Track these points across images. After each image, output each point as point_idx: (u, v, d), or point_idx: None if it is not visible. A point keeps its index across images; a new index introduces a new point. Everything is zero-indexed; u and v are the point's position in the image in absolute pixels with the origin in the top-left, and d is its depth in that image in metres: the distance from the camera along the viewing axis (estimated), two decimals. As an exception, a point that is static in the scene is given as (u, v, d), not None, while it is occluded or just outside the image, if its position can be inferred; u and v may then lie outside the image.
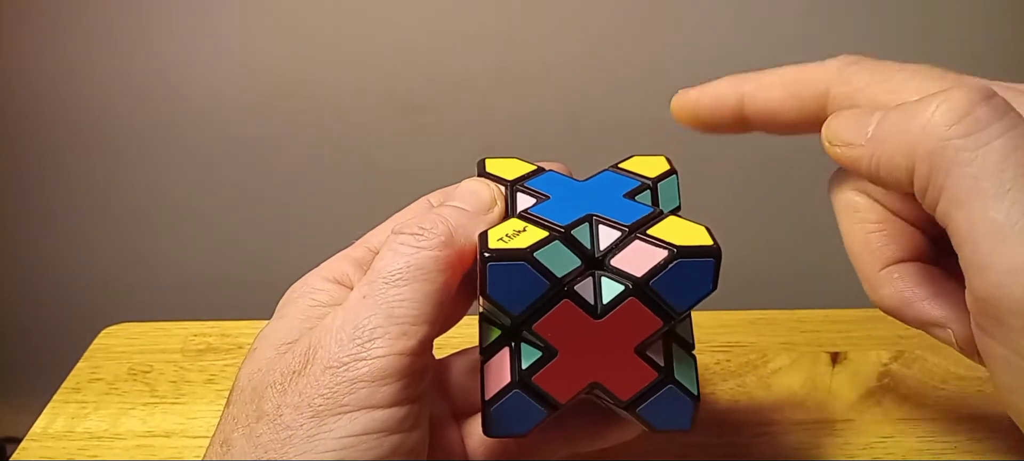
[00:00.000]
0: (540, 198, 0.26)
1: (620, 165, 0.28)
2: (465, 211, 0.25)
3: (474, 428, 0.29)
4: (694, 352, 0.26)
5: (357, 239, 0.28)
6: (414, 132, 0.63)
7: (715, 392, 0.37)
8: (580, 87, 0.61)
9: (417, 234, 0.24)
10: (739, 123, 0.27)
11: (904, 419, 0.35)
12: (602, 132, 0.61)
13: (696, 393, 0.26)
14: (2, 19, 0.60)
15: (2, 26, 0.61)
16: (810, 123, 0.25)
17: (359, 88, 0.62)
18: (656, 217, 0.25)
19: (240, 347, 0.41)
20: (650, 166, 0.27)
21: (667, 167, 0.27)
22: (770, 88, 0.26)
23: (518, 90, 0.61)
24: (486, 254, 0.23)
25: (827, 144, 0.24)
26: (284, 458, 0.21)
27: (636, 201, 0.26)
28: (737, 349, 0.39)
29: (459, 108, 0.62)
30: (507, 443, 0.28)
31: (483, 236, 0.24)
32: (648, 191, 0.27)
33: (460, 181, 0.28)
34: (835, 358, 0.38)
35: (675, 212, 0.26)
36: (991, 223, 0.19)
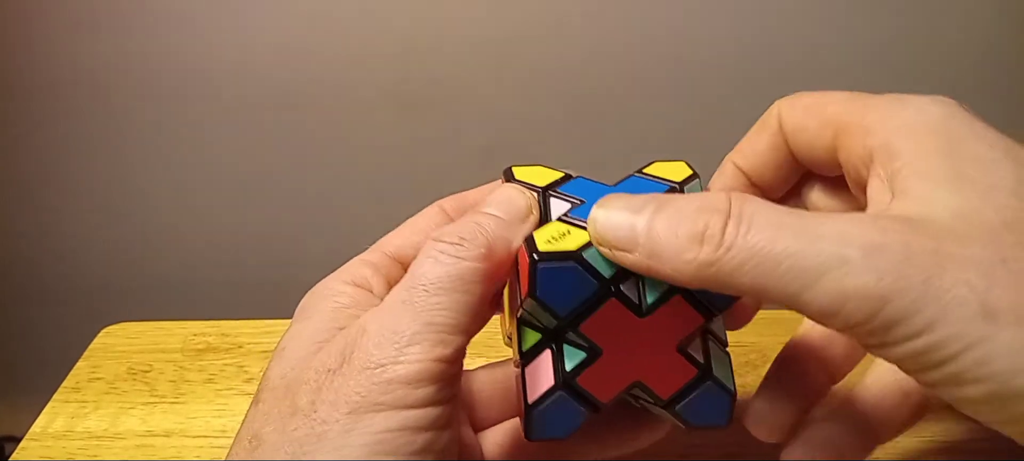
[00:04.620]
0: (574, 203, 0.26)
1: (644, 170, 0.28)
2: (502, 220, 0.25)
3: (494, 437, 0.29)
4: (727, 349, 0.27)
5: (370, 242, 0.28)
6: (416, 132, 0.63)
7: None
8: (583, 84, 0.61)
9: (457, 244, 0.24)
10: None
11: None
12: (606, 129, 0.61)
13: (733, 389, 0.26)
14: (2, 17, 0.60)
15: (2, 24, 0.61)
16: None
17: (361, 87, 0.62)
18: None
19: (240, 347, 0.41)
20: (673, 171, 0.28)
21: (689, 172, 0.28)
22: (757, 152, 0.27)
23: (520, 88, 0.61)
24: (535, 256, 0.23)
25: None
26: (320, 453, 0.22)
27: None
28: (737, 349, 0.39)
29: (461, 107, 0.62)
30: (529, 453, 0.28)
31: (530, 239, 0.24)
32: (677, 195, 0.27)
33: (464, 179, 0.28)
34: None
35: None
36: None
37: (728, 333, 0.28)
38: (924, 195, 0.21)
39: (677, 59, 0.59)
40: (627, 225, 0.22)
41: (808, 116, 0.26)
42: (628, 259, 0.22)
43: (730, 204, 0.21)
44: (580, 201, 0.26)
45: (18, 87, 0.64)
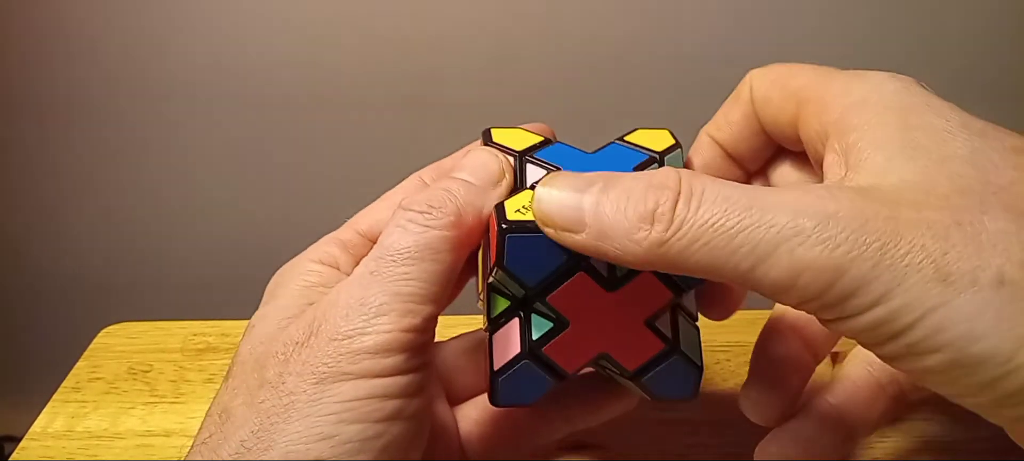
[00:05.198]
0: (551, 170, 0.26)
1: (626, 138, 0.28)
2: (473, 185, 0.25)
3: (469, 411, 0.29)
4: (697, 323, 0.27)
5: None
6: (418, 131, 0.63)
7: (715, 392, 0.37)
8: (584, 82, 0.61)
9: (426, 212, 0.24)
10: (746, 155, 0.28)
11: (904, 419, 0.35)
12: (606, 127, 0.61)
13: (700, 363, 0.26)
14: (1, 17, 0.60)
15: (1, 24, 0.61)
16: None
17: (362, 88, 0.62)
18: None
19: (240, 347, 0.41)
20: (655, 140, 0.27)
21: (672, 141, 0.27)
22: (730, 124, 0.27)
23: (522, 86, 0.61)
24: (503, 226, 0.23)
25: None
26: (287, 423, 0.21)
27: None
28: (737, 349, 0.39)
29: (463, 106, 0.62)
30: (503, 425, 0.29)
31: (500, 207, 0.24)
32: (656, 164, 0.27)
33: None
34: (835, 358, 0.38)
35: None
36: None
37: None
38: (878, 166, 0.20)
39: (678, 57, 0.59)
40: (573, 204, 0.21)
41: (774, 88, 0.25)
42: (575, 240, 0.22)
43: (680, 181, 0.20)
44: (556, 168, 0.26)
45: (18, 87, 0.64)
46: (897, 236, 0.18)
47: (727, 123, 0.27)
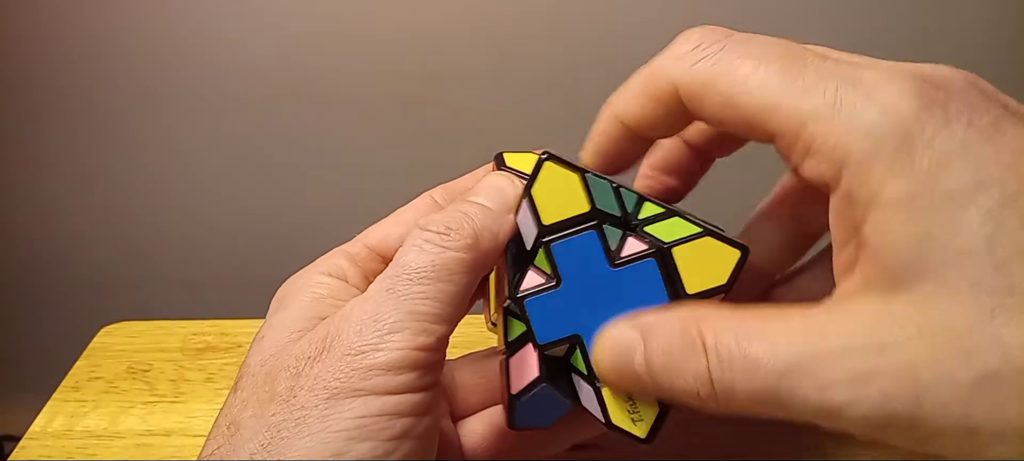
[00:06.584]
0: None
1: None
2: (490, 210, 0.25)
3: (472, 425, 0.29)
4: None
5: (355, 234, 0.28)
6: (418, 130, 0.63)
7: (715, 392, 0.37)
8: (586, 82, 0.61)
9: (443, 234, 0.24)
10: (640, 144, 0.25)
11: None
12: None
13: None
14: (1, 17, 0.61)
15: (1, 25, 0.61)
16: (682, 120, 0.24)
17: (362, 87, 0.62)
18: (667, 214, 0.25)
19: (239, 346, 0.41)
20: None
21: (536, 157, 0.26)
22: (632, 98, 0.24)
23: (519, 85, 0.61)
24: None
25: None
26: (298, 438, 0.21)
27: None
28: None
29: (465, 106, 0.62)
30: (511, 440, 0.28)
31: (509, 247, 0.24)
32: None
33: (462, 176, 0.28)
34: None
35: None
36: None
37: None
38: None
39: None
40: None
41: (723, 110, 0.22)
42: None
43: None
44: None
45: (18, 86, 0.64)
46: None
47: (642, 114, 0.24)
